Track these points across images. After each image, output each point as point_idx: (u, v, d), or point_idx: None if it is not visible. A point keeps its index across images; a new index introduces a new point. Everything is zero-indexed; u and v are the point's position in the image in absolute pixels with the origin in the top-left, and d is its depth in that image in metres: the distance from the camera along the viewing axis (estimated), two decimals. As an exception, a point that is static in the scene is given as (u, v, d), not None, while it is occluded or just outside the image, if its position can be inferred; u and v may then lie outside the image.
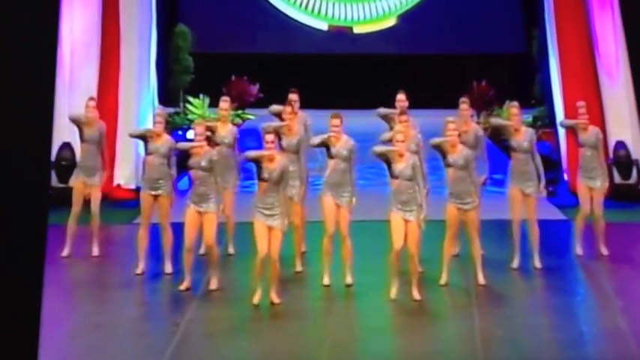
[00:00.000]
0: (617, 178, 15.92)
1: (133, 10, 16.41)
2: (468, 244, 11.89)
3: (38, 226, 6.81)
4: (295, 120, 12.32)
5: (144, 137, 12.18)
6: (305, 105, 12.87)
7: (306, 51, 22.79)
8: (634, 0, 8.46)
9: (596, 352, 9.80)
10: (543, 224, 12.51)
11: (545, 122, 18.80)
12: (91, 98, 13.20)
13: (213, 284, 11.44)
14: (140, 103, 16.48)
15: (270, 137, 11.03)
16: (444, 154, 11.61)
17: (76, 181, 12.82)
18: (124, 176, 16.01)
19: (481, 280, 11.60)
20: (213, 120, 13.48)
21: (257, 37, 22.83)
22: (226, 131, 12.71)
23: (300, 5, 23.20)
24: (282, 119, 12.29)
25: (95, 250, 12.80)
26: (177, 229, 11.87)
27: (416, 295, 11.07)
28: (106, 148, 13.07)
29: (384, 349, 9.91)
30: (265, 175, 10.86)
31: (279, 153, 11.37)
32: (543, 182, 12.26)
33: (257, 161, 10.89)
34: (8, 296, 6.67)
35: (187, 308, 10.84)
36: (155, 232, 12.15)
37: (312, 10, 23.28)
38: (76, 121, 12.86)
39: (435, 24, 22.88)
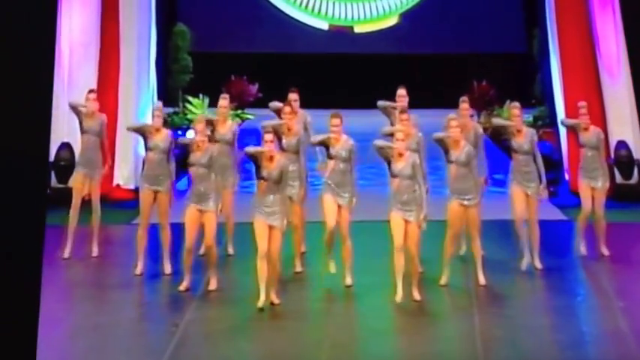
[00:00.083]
0: (619, 178, 15.88)
1: (132, 9, 16.38)
2: (468, 243, 11.85)
3: (36, 226, 6.80)
4: (295, 120, 12.29)
5: (143, 132, 12.09)
6: (305, 105, 12.84)
7: (306, 50, 22.77)
8: (634, 0, 8.44)
9: (597, 353, 9.78)
10: (544, 224, 12.48)
11: (545, 122, 18.79)
12: (91, 90, 13.15)
13: (213, 285, 11.41)
14: (139, 102, 16.45)
15: (269, 137, 10.99)
16: (446, 151, 11.57)
17: (76, 173, 12.78)
18: (123, 176, 15.98)
19: (481, 280, 11.57)
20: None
21: (257, 37, 22.81)
22: (226, 129, 12.67)
23: (300, 4, 23.18)
24: (281, 117, 12.26)
25: (95, 251, 12.77)
26: (177, 229, 11.84)
27: (416, 295, 11.03)
28: (106, 140, 13.01)
29: (384, 349, 9.89)
30: (264, 174, 10.82)
31: (278, 153, 11.33)
32: (544, 183, 12.22)
33: (256, 158, 10.84)
34: (6, 297, 6.65)
35: (187, 309, 10.81)
36: (154, 232, 12.12)
37: (313, 10, 23.26)
38: (75, 110, 12.80)
39: (436, 23, 22.86)
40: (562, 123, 14.03)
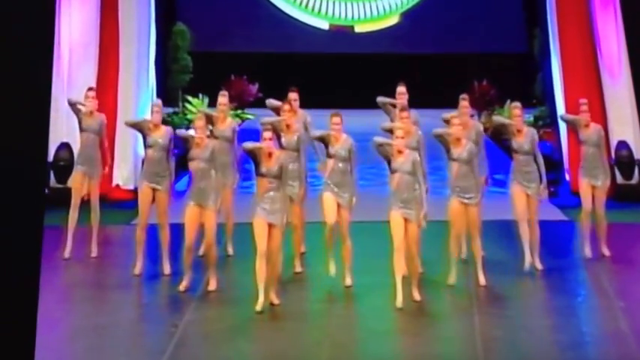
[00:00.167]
0: (619, 179, 15.85)
1: (131, 9, 16.37)
2: (469, 244, 11.83)
3: (35, 226, 6.78)
4: (294, 118, 12.26)
5: (141, 128, 12.00)
6: (305, 104, 12.81)
7: (306, 50, 22.75)
8: (635, 0, 8.42)
9: (597, 354, 9.76)
10: (544, 225, 12.46)
11: (546, 122, 18.77)
12: (90, 88, 13.11)
13: (212, 285, 11.38)
14: (139, 102, 16.43)
15: (267, 134, 10.94)
16: (447, 148, 11.53)
17: (75, 173, 12.75)
18: (123, 176, 15.96)
19: (482, 281, 11.54)
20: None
21: (257, 36, 22.79)
22: (225, 125, 12.64)
23: (300, 4, 23.16)
24: (279, 115, 12.23)
25: (94, 251, 12.74)
26: (176, 229, 11.81)
27: (416, 296, 11.01)
28: (106, 140, 12.97)
29: (384, 350, 9.87)
30: (264, 170, 10.78)
31: (277, 150, 11.29)
32: (544, 183, 12.18)
33: (254, 155, 10.80)
34: (4, 297, 6.63)
35: (186, 309, 10.79)
36: (154, 232, 12.09)
37: (313, 9, 23.24)
38: (74, 108, 12.76)
39: (436, 23, 22.85)
40: (562, 118, 13.99)
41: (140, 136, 12.24)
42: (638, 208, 15.24)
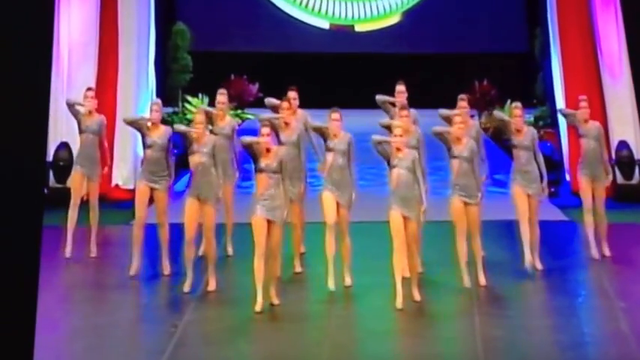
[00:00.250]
0: (620, 179, 15.84)
1: (131, 8, 16.36)
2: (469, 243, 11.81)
3: (34, 226, 6.77)
4: (293, 117, 12.23)
5: (139, 127, 11.92)
6: (305, 104, 12.80)
7: (306, 50, 22.73)
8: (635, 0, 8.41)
9: (598, 354, 9.75)
10: (545, 225, 12.44)
11: (547, 122, 18.77)
12: (89, 88, 13.07)
13: (212, 285, 11.37)
14: (138, 102, 16.42)
15: (266, 130, 10.90)
16: (448, 146, 11.50)
17: (74, 172, 12.72)
18: (122, 176, 15.94)
19: (482, 281, 11.52)
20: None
21: (257, 36, 22.78)
22: (225, 123, 12.61)
23: (301, 3, 23.14)
24: (278, 113, 12.21)
25: (93, 251, 12.72)
26: (176, 230, 11.79)
27: (416, 296, 10.98)
28: (106, 141, 12.93)
29: (384, 350, 9.86)
30: (263, 165, 10.75)
31: (276, 146, 11.25)
32: (545, 181, 12.15)
33: (253, 150, 10.76)
34: (3, 297, 6.61)
35: (186, 309, 10.78)
36: (153, 232, 12.06)
37: (313, 9, 23.23)
38: (72, 109, 12.72)
39: (437, 23, 22.84)
40: (560, 112, 13.94)
41: (140, 136, 12.17)
42: (638, 208, 15.22)
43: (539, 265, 12.08)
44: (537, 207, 12.10)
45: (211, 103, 19.92)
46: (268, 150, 10.79)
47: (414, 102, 12.62)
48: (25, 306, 6.71)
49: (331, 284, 11.36)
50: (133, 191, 15.17)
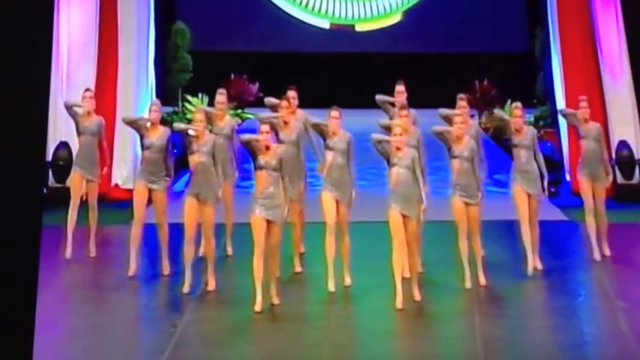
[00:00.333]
0: (620, 179, 15.83)
1: (130, 7, 16.34)
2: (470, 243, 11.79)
3: (33, 226, 6.76)
4: (293, 117, 12.21)
5: (138, 128, 11.86)
6: (306, 104, 12.78)
7: (307, 49, 22.73)
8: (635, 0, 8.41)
9: (598, 354, 9.73)
10: (545, 225, 12.43)
11: (547, 122, 18.78)
12: (87, 89, 13.04)
13: (211, 285, 11.35)
14: (138, 101, 16.40)
15: (265, 127, 10.87)
16: (448, 146, 11.48)
17: (73, 173, 12.69)
18: (122, 176, 15.93)
19: (482, 281, 11.51)
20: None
21: (257, 35, 22.78)
22: (224, 123, 12.59)
23: (301, 3, 23.14)
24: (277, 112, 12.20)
25: (92, 251, 12.70)
26: (175, 229, 11.78)
27: (416, 295, 10.96)
28: (104, 142, 12.90)
29: (384, 351, 9.84)
30: (262, 162, 10.72)
31: (275, 144, 11.21)
32: (546, 181, 12.14)
33: (252, 147, 10.74)
34: (3, 297, 6.60)
35: (185, 309, 10.76)
36: (152, 232, 12.04)
37: (313, 9, 23.22)
38: (70, 111, 12.69)
39: (437, 23, 22.85)
40: (560, 113, 13.93)
41: (136, 132, 12.12)
42: (638, 208, 15.21)
43: (539, 265, 12.06)
44: (537, 207, 12.08)
45: (211, 103, 19.89)
46: (267, 147, 10.76)
47: (414, 102, 12.60)
48: (25, 306, 6.70)
49: (331, 286, 11.34)
50: (132, 191, 15.16)
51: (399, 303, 10.75)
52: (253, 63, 21.97)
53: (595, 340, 10.12)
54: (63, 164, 15.18)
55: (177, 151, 15.90)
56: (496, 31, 22.68)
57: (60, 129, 15.12)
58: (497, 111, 13.40)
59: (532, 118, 18.91)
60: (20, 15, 6.60)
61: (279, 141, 11.82)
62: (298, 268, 12.09)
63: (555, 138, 17.22)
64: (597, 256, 12.44)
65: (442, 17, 22.86)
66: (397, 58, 22.52)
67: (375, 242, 12.11)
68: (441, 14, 22.90)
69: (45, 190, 14.72)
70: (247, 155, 11.10)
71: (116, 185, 15.90)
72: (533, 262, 11.85)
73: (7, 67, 6.59)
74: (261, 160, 10.73)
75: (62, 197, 13.20)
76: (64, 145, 15.43)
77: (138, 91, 16.45)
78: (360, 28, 23.34)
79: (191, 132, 11.44)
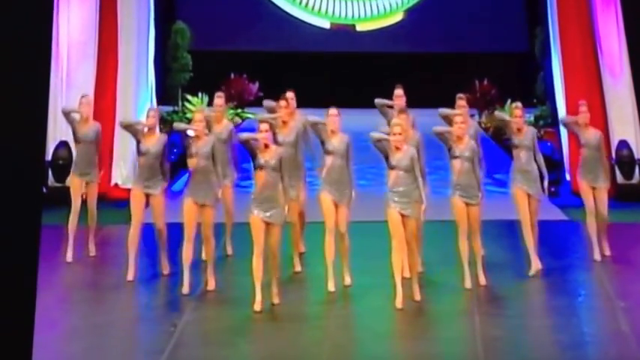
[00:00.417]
0: (620, 178, 15.83)
1: (130, 7, 16.34)
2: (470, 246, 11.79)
3: (32, 225, 6.74)
4: (291, 117, 12.19)
5: (134, 132, 11.81)
6: (306, 103, 12.77)
7: (307, 49, 22.72)
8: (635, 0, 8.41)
9: (598, 354, 9.73)
10: (545, 225, 12.43)
11: (547, 122, 18.79)
12: (84, 95, 13.02)
13: (211, 285, 11.35)
14: (138, 101, 16.41)
15: (264, 126, 10.84)
16: (449, 146, 11.47)
17: (72, 178, 12.68)
18: (122, 176, 15.92)
19: (482, 280, 11.50)
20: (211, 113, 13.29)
21: (257, 35, 22.78)
22: (221, 127, 12.57)
23: (301, 3, 23.12)
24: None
25: (92, 250, 12.70)
26: (175, 229, 11.77)
27: (416, 295, 10.95)
28: (102, 147, 12.89)
29: (383, 350, 9.83)
30: (262, 161, 10.69)
31: (275, 145, 11.18)
32: (546, 181, 12.14)
33: (250, 147, 10.71)
34: (2, 297, 6.59)
35: (185, 309, 10.76)
36: (151, 232, 12.02)
37: (313, 8, 23.21)
38: (68, 118, 12.68)
39: (437, 23, 22.84)
40: (561, 122, 13.94)
41: (144, 114, 12.07)
42: (638, 207, 15.19)
43: (539, 265, 12.04)
44: (537, 207, 12.07)
45: (211, 103, 19.90)
46: (267, 146, 10.74)
47: (414, 101, 12.59)
48: (24, 306, 6.68)
49: (331, 285, 11.34)
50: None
51: (398, 303, 10.74)
52: (253, 63, 21.96)
53: (595, 339, 10.11)
54: (63, 163, 15.16)
55: (177, 150, 15.91)
56: (496, 31, 22.68)
57: (60, 128, 15.11)
58: (497, 113, 13.40)
59: (532, 118, 18.92)
60: (20, 14, 6.59)
61: (277, 142, 11.77)
62: (298, 268, 12.09)
63: (555, 138, 17.22)
64: (597, 256, 12.44)
65: (442, 17, 22.86)
66: (397, 57, 22.53)
67: (374, 242, 12.10)
68: (441, 14, 22.89)
69: (45, 190, 14.72)
70: (246, 155, 11.09)
71: (116, 185, 15.89)
72: (537, 264, 11.83)
73: (6, 66, 6.58)
74: (261, 159, 10.71)
75: (62, 197, 13.20)
76: (63, 145, 15.42)
77: (138, 91, 16.45)
78: (360, 27, 23.33)
79: (190, 132, 11.43)
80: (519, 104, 12.47)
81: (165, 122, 18.82)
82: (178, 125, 11.80)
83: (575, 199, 14.66)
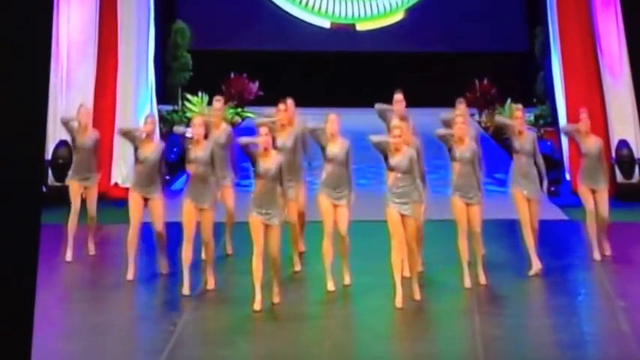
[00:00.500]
0: (620, 178, 15.83)
1: (130, 6, 16.33)
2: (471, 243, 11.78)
3: (32, 225, 6.73)
4: (290, 122, 12.13)
5: (132, 139, 11.77)
6: (306, 103, 12.75)
7: (307, 48, 22.71)
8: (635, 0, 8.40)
9: (598, 353, 9.73)
10: (545, 224, 12.42)
11: (547, 121, 18.79)
12: (82, 105, 13.01)
13: (210, 284, 11.34)
14: (138, 100, 16.40)
15: (264, 130, 10.81)
16: (449, 148, 11.46)
17: (71, 182, 12.66)
18: (122, 175, 15.90)
19: (482, 280, 11.50)
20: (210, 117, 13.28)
21: (257, 34, 22.77)
22: (220, 131, 12.53)
23: (301, 2, 23.11)
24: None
25: (91, 249, 12.69)
26: (173, 228, 11.76)
27: (416, 294, 10.95)
28: (101, 152, 12.89)
29: (383, 349, 9.82)
30: (261, 170, 10.70)
31: (274, 150, 11.15)
32: (545, 183, 12.14)
33: (250, 152, 10.70)
34: (1, 296, 6.58)
35: (184, 308, 10.75)
36: (150, 232, 12.00)
37: (313, 8, 23.20)
38: (67, 127, 12.69)
39: (437, 22, 22.83)
40: (562, 131, 13.97)
41: (142, 121, 12.05)
42: (638, 207, 15.19)
43: (539, 265, 12.04)
44: (538, 210, 12.04)
45: (211, 102, 19.91)
46: (266, 150, 10.71)
47: (414, 101, 12.57)
48: (23, 305, 6.67)
49: (330, 285, 11.34)
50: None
51: (398, 302, 10.74)
52: (253, 62, 21.94)
53: (595, 339, 10.11)
54: (62, 163, 15.16)
55: (177, 149, 15.90)
56: (496, 31, 22.67)
57: (60, 127, 15.08)
58: (498, 118, 13.37)
59: (532, 117, 18.92)
60: (20, 14, 6.59)
61: (275, 147, 11.70)
62: (298, 267, 12.08)
63: (555, 137, 17.22)
64: (597, 256, 12.44)
65: (442, 17, 22.85)
66: (397, 57, 22.53)
67: (374, 241, 12.10)
68: (441, 14, 22.88)
69: (44, 189, 14.72)
70: (245, 157, 11.06)
71: (116, 184, 15.88)
72: (538, 265, 11.82)
73: (6, 65, 6.57)
74: (260, 167, 10.68)
75: (61, 196, 13.18)
76: (63, 144, 15.41)
77: (138, 90, 16.44)
78: (360, 27, 23.32)
79: (188, 134, 11.42)
80: (520, 106, 12.48)
81: (165, 121, 18.85)
82: (178, 129, 11.82)
83: (575, 199, 14.65)
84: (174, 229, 11.74)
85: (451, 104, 12.52)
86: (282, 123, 12.06)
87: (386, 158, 10.98)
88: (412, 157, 10.92)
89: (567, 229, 14.05)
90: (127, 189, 15.51)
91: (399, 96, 12.37)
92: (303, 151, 12.21)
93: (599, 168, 12.49)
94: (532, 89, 20.78)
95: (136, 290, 11.58)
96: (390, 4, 23.19)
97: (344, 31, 23.26)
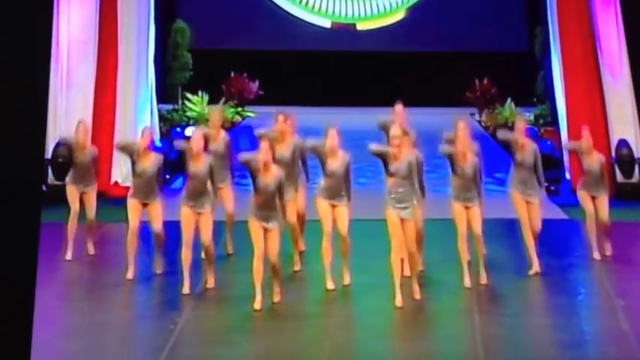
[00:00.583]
0: (620, 177, 15.83)
1: (130, 6, 16.34)
2: (471, 242, 11.78)
3: (31, 224, 6.72)
4: (291, 134, 12.09)
5: (130, 153, 11.74)
6: (307, 103, 12.75)
7: (308, 48, 22.72)
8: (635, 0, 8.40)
9: (598, 353, 9.71)
10: (545, 224, 12.38)
11: (547, 120, 18.79)
12: (81, 121, 13.00)
13: (210, 283, 11.35)
14: (138, 100, 16.41)
15: (264, 145, 10.80)
16: (452, 162, 11.42)
17: (69, 187, 12.65)
18: (122, 174, 15.90)
19: (483, 279, 11.50)
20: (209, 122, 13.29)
21: (257, 34, 22.78)
22: (218, 143, 12.49)
23: (301, 2, 23.12)
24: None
25: (91, 249, 12.69)
26: (173, 228, 11.76)
27: (416, 294, 10.95)
28: (98, 167, 12.92)
29: (383, 349, 9.82)
30: (261, 185, 10.69)
31: (274, 165, 11.09)
32: (543, 188, 12.18)
33: (251, 168, 10.69)
34: (0, 295, 6.58)
35: (184, 307, 10.75)
36: (148, 232, 12.00)
37: (313, 8, 23.20)
38: (68, 146, 12.74)
39: (437, 22, 22.84)
40: (564, 148, 13.96)
41: (139, 134, 12.10)
42: (638, 206, 15.20)
43: (538, 267, 12.04)
44: (538, 212, 12.03)
45: (211, 101, 19.97)
46: (266, 164, 10.70)
47: (414, 100, 12.58)
48: (23, 304, 6.67)
49: (330, 284, 11.34)
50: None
51: (398, 301, 10.74)
52: (253, 61, 21.95)
53: (595, 338, 10.11)
54: (62, 162, 15.15)
55: (176, 153, 15.91)
56: (496, 30, 22.69)
57: (60, 127, 15.11)
58: (500, 135, 13.21)
59: (532, 117, 18.93)
60: (20, 14, 6.59)
61: (274, 159, 11.60)
62: (298, 267, 12.08)
63: (555, 136, 17.22)
64: (597, 256, 12.44)
65: (442, 16, 22.86)
66: (398, 56, 22.55)
67: (374, 241, 12.10)
68: (441, 13, 22.89)
69: (44, 188, 14.73)
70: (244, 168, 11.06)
71: (115, 183, 15.88)
72: (536, 265, 11.82)
73: (6, 65, 6.57)
74: (260, 182, 10.68)
75: (61, 195, 13.17)
76: (63, 143, 15.40)
77: (138, 90, 16.45)
78: (360, 26, 23.32)
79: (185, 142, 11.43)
80: (523, 116, 12.48)
81: (165, 120, 18.86)
82: (178, 144, 11.86)
83: (575, 198, 14.62)
84: (173, 229, 11.74)
85: (450, 104, 12.51)
86: (282, 135, 11.98)
87: (385, 165, 10.98)
88: (411, 161, 10.93)
89: (567, 229, 14.05)
90: (126, 188, 15.58)
91: (399, 108, 12.28)
92: (302, 168, 12.17)
93: (600, 183, 12.51)
94: (532, 89, 20.78)
95: (135, 289, 11.59)
96: (391, 4, 23.20)
97: (344, 31, 23.27)
